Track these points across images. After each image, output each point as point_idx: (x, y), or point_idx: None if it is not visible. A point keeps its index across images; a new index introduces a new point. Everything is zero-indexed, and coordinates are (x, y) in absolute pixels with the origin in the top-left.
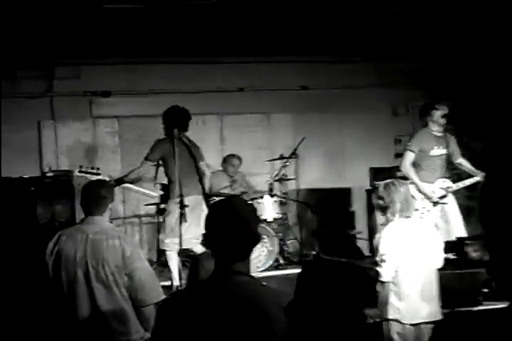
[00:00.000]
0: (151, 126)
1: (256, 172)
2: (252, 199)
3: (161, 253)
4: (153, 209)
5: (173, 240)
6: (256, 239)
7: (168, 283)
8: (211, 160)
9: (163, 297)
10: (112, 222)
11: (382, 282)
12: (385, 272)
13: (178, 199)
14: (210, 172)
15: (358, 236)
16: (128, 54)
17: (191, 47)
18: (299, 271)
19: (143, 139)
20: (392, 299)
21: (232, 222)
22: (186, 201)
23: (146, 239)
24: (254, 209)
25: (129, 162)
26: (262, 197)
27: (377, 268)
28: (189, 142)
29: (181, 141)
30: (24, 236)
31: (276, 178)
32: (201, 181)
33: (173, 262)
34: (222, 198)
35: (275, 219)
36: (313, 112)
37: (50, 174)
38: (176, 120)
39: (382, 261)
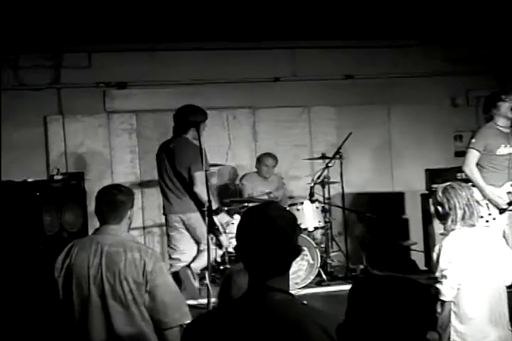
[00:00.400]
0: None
1: (294, 175)
2: (290, 205)
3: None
4: None
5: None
6: (295, 252)
7: (194, 302)
8: (242, 160)
9: (190, 319)
10: (130, 232)
11: (443, 301)
12: (446, 290)
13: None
14: (243, 174)
15: (412, 247)
16: (147, 39)
17: (219, 32)
18: (344, 287)
19: (165, 138)
20: (454, 321)
21: (267, 232)
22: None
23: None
24: (294, 217)
25: (149, 164)
26: (301, 203)
27: (437, 286)
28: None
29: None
30: (29, 249)
31: (318, 181)
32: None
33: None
34: (255, 204)
35: (317, 228)
36: (360, 104)
37: (58, 177)
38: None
39: (443, 277)
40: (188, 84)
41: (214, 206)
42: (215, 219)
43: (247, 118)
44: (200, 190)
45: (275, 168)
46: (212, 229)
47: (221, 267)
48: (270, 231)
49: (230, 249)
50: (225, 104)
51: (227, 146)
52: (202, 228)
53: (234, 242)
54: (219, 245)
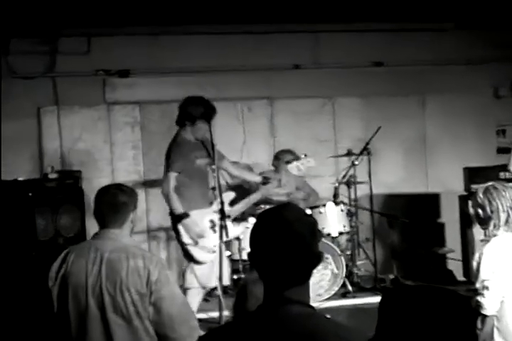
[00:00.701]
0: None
1: (316, 174)
2: (312, 208)
3: None
4: None
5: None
6: (316, 259)
7: (205, 316)
8: (258, 157)
9: (200, 333)
10: (132, 237)
11: (485, 316)
12: (489, 303)
13: None
14: (260, 172)
15: (449, 255)
16: (153, 21)
17: (232, 13)
18: (372, 300)
19: (172, 132)
20: (498, 338)
21: (284, 237)
22: None
23: (175, 257)
24: (314, 221)
25: (154, 161)
26: (324, 206)
27: (478, 298)
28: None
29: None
30: (20, 256)
31: (343, 181)
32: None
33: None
34: (271, 206)
35: (342, 233)
36: (390, 94)
37: (53, 176)
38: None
39: (485, 288)
40: (198, 72)
41: (178, 210)
42: (180, 227)
43: (264, 110)
44: (165, 192)
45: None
46: (178, 238)
47: (235, 277)
48: (287, 236)
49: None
50: (240, 94)
51: (241, 142)
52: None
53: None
54: (192, 260)
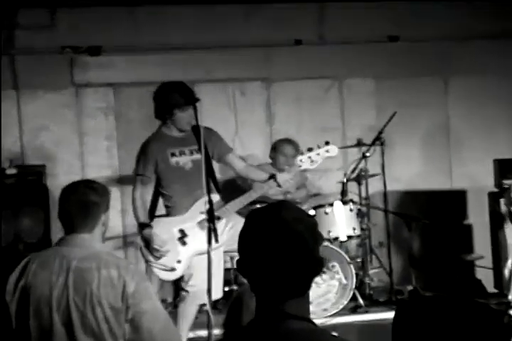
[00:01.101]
0: None
1: (321, 168)
2: (316, 207)
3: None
4: None
5: None
6: (318, 266)
7: (191, 335)
8: (253, 148)
9: None
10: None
11: None
12: None
13: None
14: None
15: (477, 263)
16: None
17: None
18: (386, 315)
19: (152, 119)
20: None
21: (281, 241)
22: None
23: None
24: (315, 222)
25: (131, 154)
26: (330, 205)
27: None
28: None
29: None
30: None
31: (353, 176)
32: None
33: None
34: (264, 205)
35: (351, 237)
36: (407, 76)
37: (11, 171)
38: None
39: None
40: (182, 49)
41: (137, 220)
42: (138, 240)
43: (260, 95)
44: (132, 197)
45: (296, 158)
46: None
47: (226, 288)
48: (284, 239)
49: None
50: (231, 75)
51: (233, 131)
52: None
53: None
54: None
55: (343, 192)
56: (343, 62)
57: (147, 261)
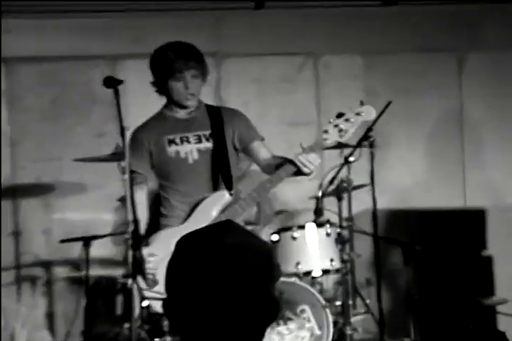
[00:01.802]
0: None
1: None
2: (280, 230)
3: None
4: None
5: None
6: (270, 311)
7: None
8: None
9: None
10: None
11: None
12: None
13: None
14: None
15: (499, 308)
16: None
17: None
18: None
19: (60, 108)
20: None
21: (220, 276)
22: None
23: (62, 310)
24: (269, 250)
25: (28, 155)
26: (300, 227)
27: None
28: None
29: None
30: None
31: (331, 188)
32: None
33: None
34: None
35: (327, 271)
36: (405, 51)
37: None
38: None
39: None
40: (100, 12)
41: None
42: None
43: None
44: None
45: (250, 164)
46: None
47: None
48: (225, 274)
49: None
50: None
51: None
52: None
53: None
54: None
55: (318, 211)
56: (320, 33)
57: (140, 290)
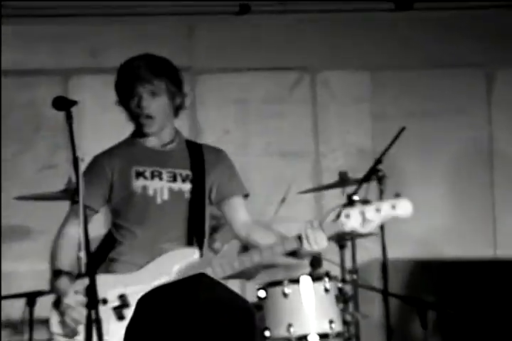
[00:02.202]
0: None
1: (281, 217)
2: (269, 285)
3: None
4: None
5: None
6: None
7: None
8: None
9: None
10: None
11: None
12: None
13: None
14: None
15: None
16: None
17: None
18: None
19: (7, 126)
20: None
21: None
22: None
23: None
24: (250, 309)
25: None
26: (293, 282)
27: None
28: None
29: None
30: None
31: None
32: None
33: None
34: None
35: (326, 336)
36: (421, 67)
37: None
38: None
39: None
40: (56, 17)
41: (66, 266)
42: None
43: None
44: (57, 232)
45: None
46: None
47: None
48: (196, 337)
49: None
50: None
51: None
52: None
53: None
54: None
55: (315, 261)
56: (318, 43)
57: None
